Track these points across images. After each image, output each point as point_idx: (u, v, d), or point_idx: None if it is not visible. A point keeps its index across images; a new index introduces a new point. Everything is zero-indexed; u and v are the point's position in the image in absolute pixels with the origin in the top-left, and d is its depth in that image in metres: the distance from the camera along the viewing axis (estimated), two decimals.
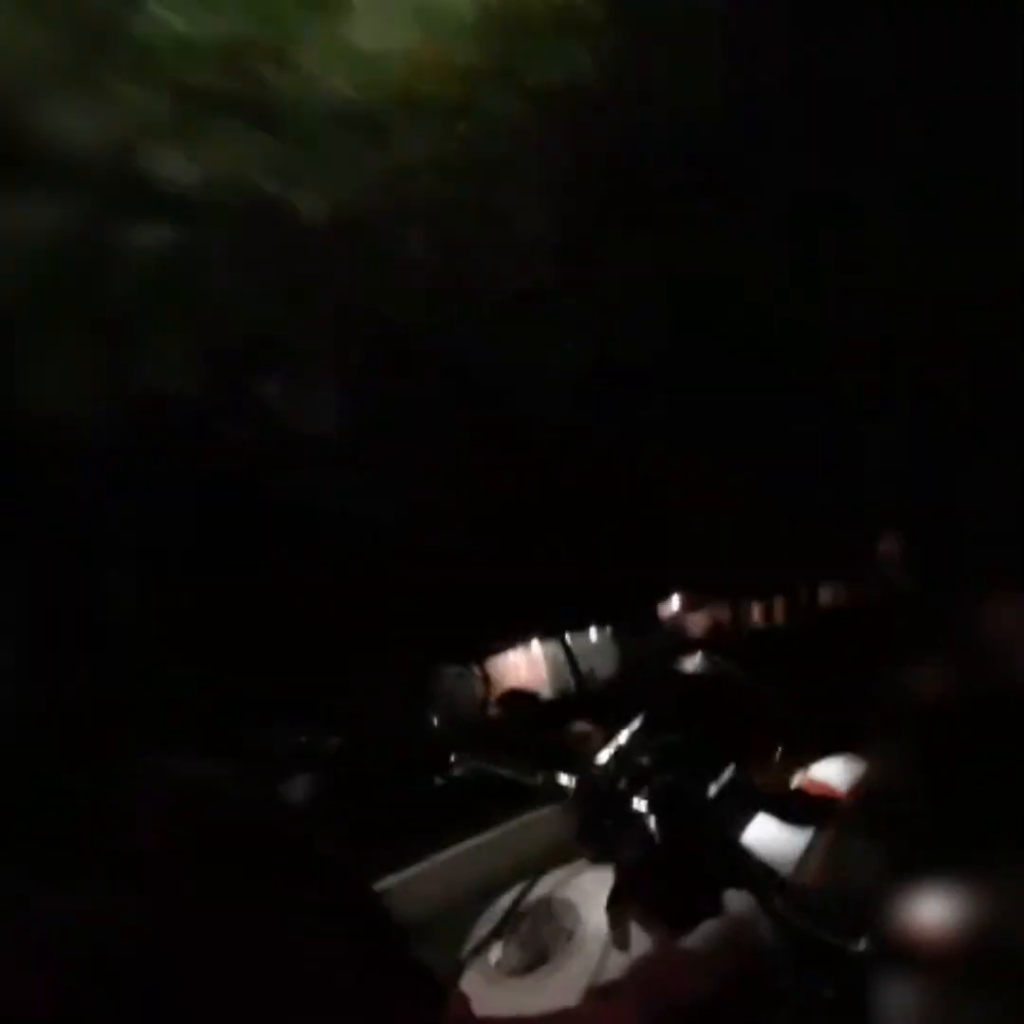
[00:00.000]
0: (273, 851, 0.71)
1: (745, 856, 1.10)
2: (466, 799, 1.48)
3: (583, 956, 1.21)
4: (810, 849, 1.13)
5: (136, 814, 0.66)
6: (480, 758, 1.42)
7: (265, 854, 0.70)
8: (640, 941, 1.13)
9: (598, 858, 1.23)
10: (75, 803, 0.65)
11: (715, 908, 1.06)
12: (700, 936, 1.03)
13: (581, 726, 1.45)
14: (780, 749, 1.23)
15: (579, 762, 1.31)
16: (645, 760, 1.23)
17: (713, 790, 1.15)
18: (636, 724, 1.30)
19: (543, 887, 1.33)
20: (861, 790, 1.12)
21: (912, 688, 1.26)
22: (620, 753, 1.26)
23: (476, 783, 1.42)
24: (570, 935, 1.23)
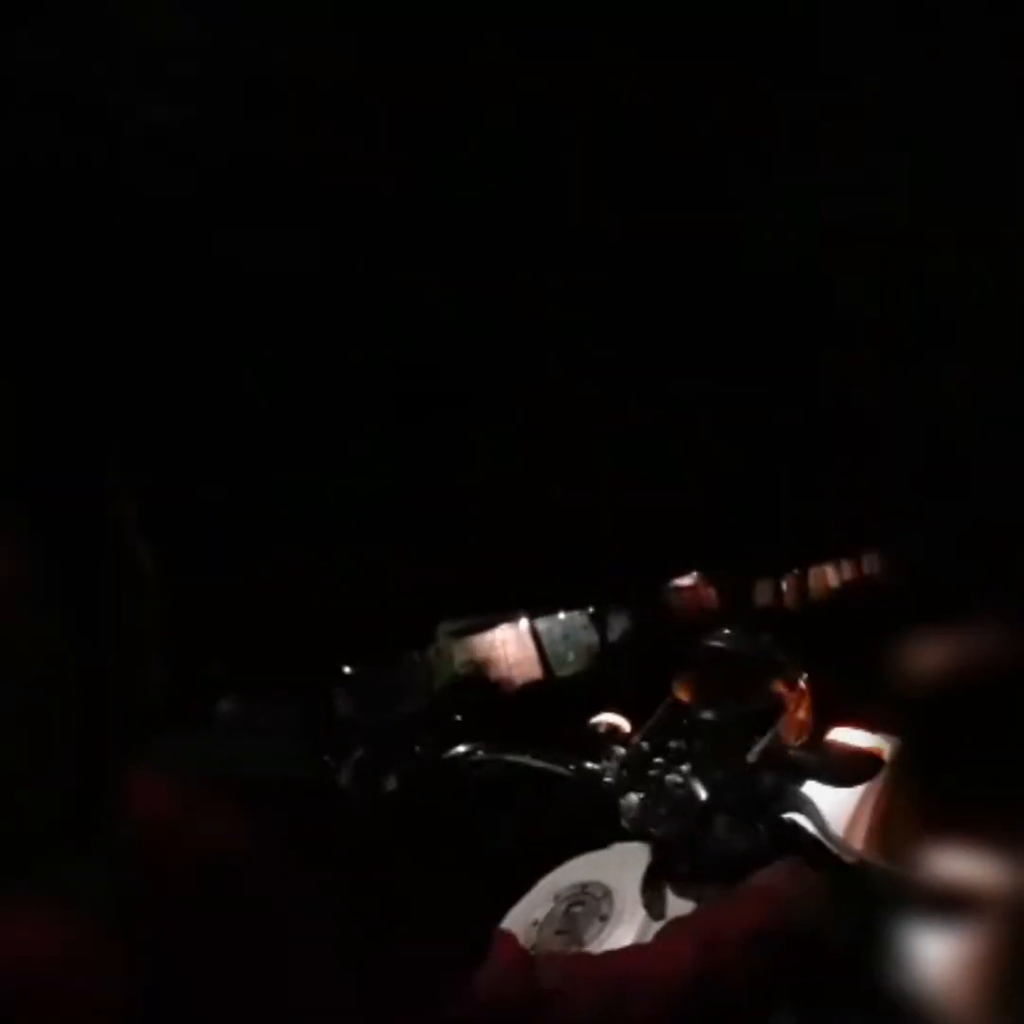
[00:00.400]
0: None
1: (791, 826, 1.09)
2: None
3: (618, 939, 1.19)
4: (855, 809, 1.12)
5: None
6: (509, 748, 1.42)
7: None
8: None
9: (635, 836, 1.22)
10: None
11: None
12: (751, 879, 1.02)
13: (609, 719, 1.44)
14: (813, 715, 1.22)
15: (608, 750, 1.31)
16: (677, 740, 1.23)
17: (752, 758, 1.14)
18: (666, 704, 1.30)
19: (576, 872, 1.32)
20: (898, 750, 1.11)
21: (930, 660, 1.25)
22: (652, 732, 1.25)
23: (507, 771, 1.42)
24: (604, 918, 1.22)
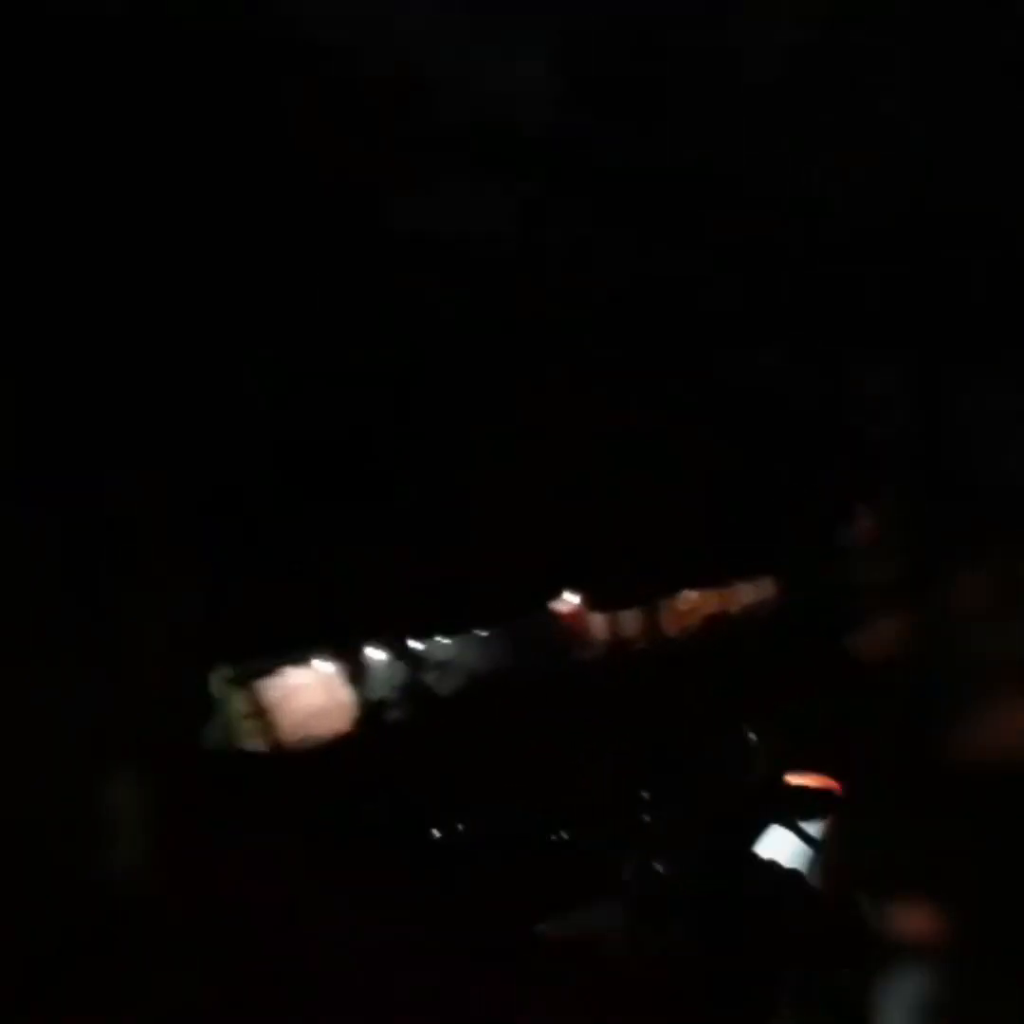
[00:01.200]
0: None
1: (767, 867, 1.19)
2: None
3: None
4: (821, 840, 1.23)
5: None
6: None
7: None
8: None
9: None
10: None
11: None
12: None
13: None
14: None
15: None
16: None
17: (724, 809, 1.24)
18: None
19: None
20: (854, 780, 1.23)
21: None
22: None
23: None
24: None
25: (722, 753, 1.33)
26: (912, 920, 1.06)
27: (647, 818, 1.31)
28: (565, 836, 1.35)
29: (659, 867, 1.27)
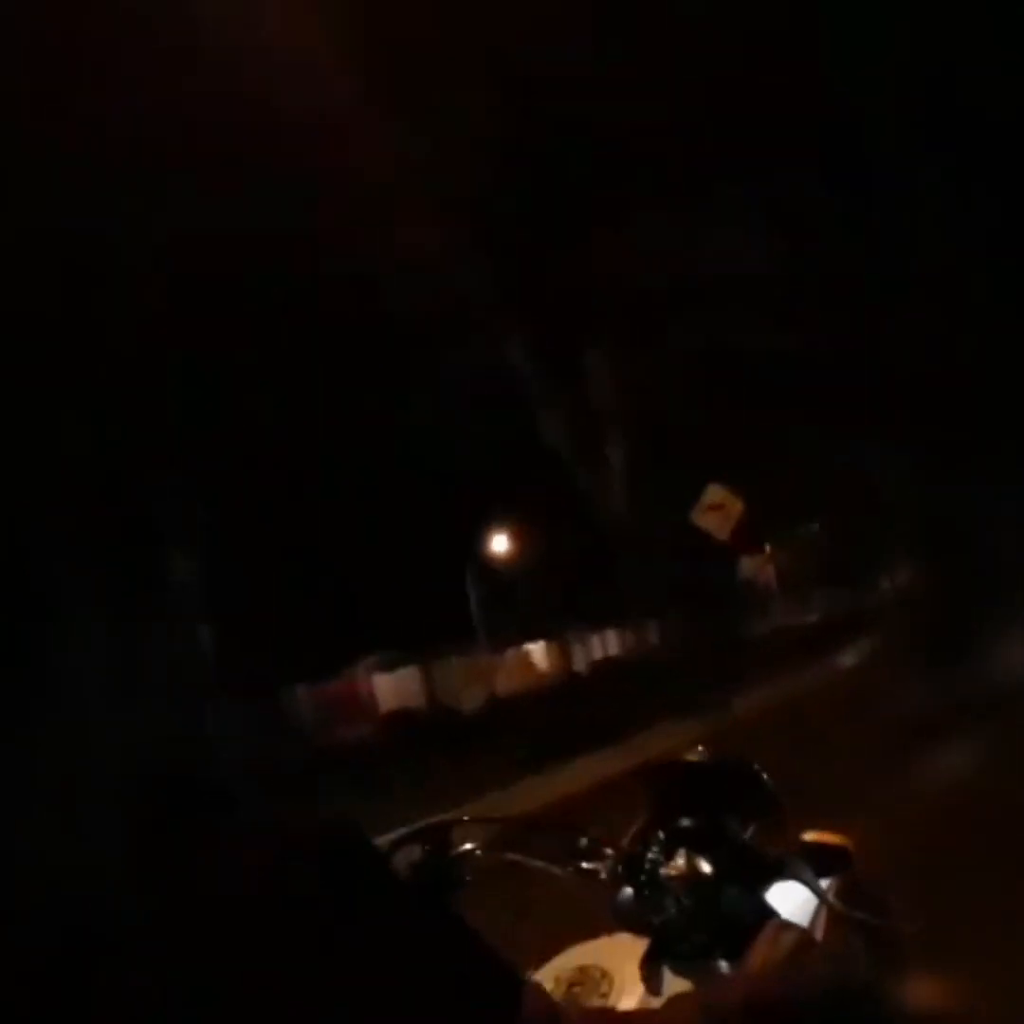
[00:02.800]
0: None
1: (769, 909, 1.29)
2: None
3: None
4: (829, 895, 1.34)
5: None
6: (510, 848, 1.60)
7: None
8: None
9: (632, 927, 1.42)
10: None
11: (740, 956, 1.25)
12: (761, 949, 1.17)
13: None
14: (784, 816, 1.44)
15: (599, 851, 1.51)
16: (662, 842, 1.44)
17: (734, 866, 1.34)
18: (647, 815, 1.50)
19: (573, 958, 1.52)
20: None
21: None
22: (641, 838, 1.46)
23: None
24: (604, 995, 1.42)
25: None
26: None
27: None
28: None
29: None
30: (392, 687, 22.93)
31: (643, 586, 22.84)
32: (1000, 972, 3.31)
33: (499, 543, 25.16)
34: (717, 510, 7.93)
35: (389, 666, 23.16)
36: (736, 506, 7.85)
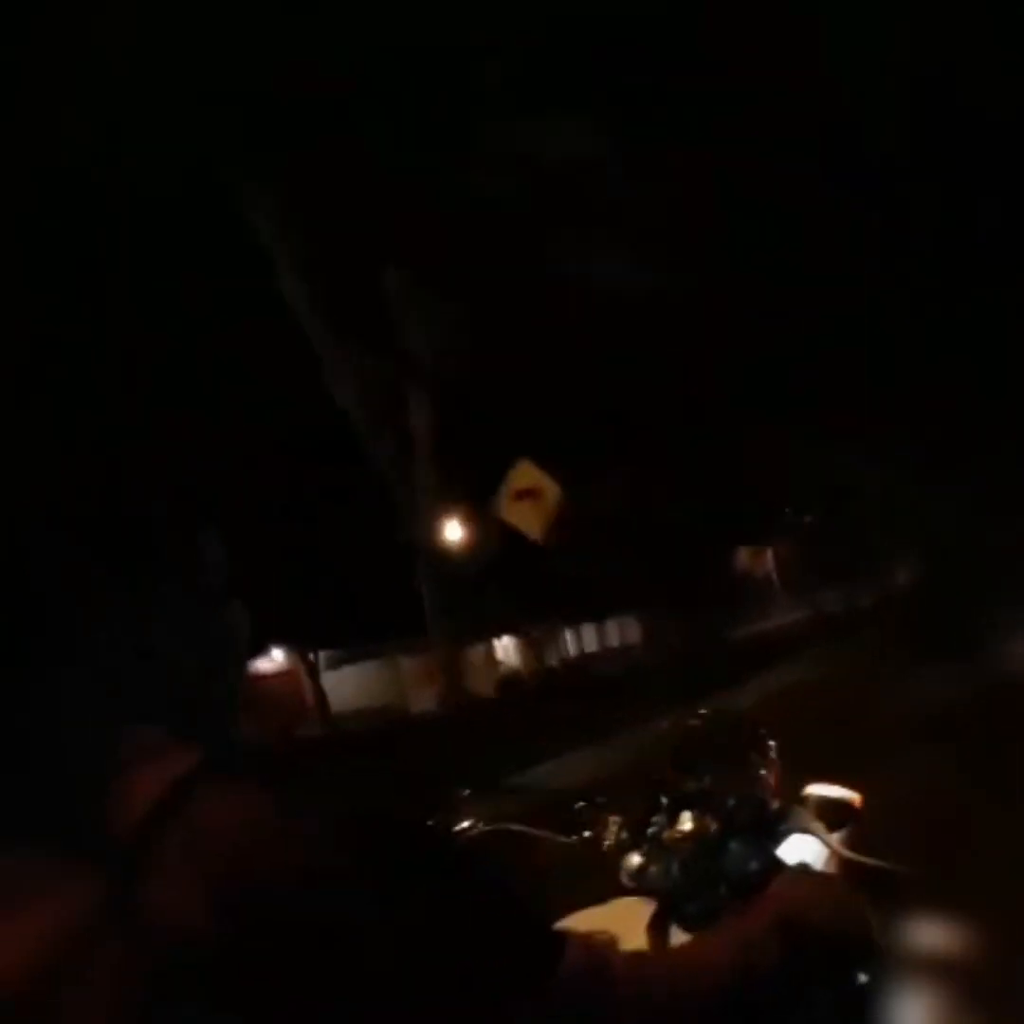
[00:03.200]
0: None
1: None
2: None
3: None
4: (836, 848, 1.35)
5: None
6: (512, 819, 1.62)
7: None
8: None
9: (639, 892, 1.43)
10: None
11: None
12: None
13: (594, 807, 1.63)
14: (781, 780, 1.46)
15: (603, 818, 1.53)
16: (666, 808, 1.46)
17: (740, 820, 1.36)
18: (648, 781, 1.52)
19: (583, 922, 1.53)
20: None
21: None
22: (647, 804, 1.48)
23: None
24: None
25: None
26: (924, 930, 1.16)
27: None
28: None
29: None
30: (342, 684, 22.38)
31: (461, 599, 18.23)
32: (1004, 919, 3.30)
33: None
34: (527, 497, 5.97)
35: (334, 664, 22.67)
36: (552, 490, 5.91)
